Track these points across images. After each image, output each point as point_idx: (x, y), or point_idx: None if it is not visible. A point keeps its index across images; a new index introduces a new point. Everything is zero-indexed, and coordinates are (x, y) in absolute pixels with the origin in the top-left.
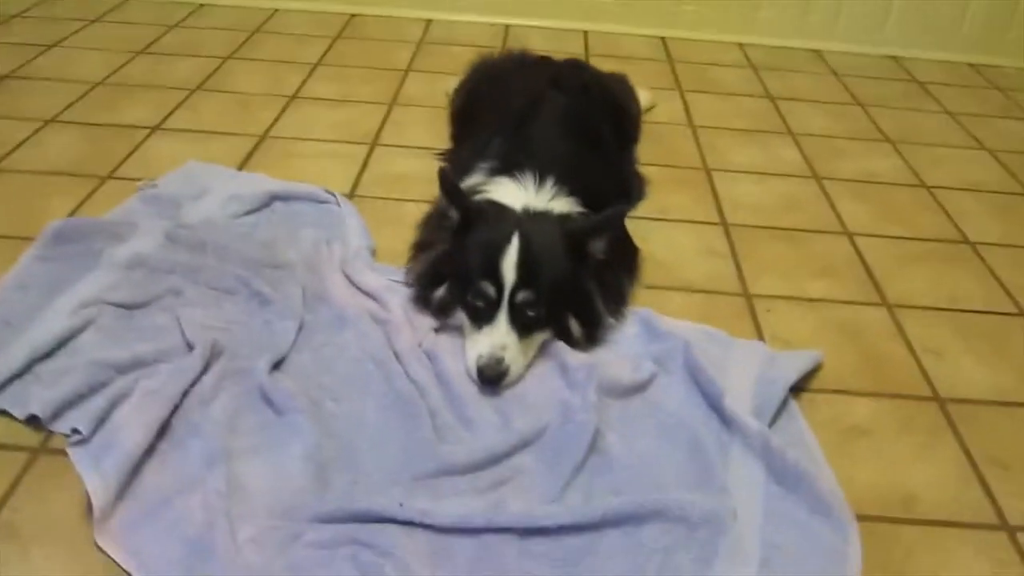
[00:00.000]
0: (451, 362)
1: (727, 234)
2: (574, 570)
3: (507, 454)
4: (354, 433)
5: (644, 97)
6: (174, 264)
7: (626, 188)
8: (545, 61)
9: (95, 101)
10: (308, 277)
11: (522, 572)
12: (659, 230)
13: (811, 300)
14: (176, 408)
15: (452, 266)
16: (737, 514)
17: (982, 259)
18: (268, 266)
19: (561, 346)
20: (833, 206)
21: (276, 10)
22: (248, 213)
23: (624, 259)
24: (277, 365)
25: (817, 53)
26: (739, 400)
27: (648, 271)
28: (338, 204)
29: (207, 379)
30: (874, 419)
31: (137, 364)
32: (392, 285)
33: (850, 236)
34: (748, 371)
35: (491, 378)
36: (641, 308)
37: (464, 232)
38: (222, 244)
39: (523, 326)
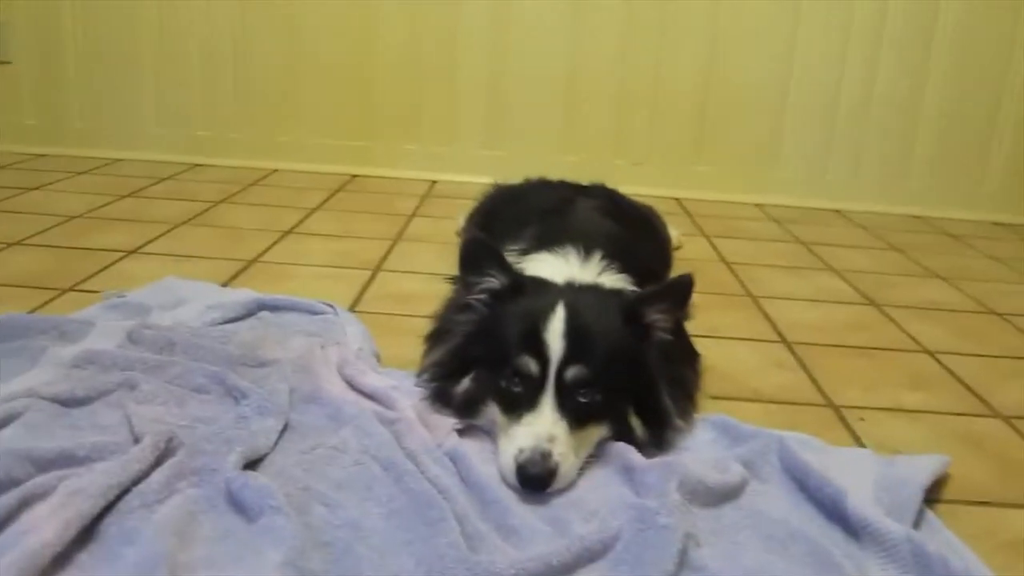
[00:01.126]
0: (481, 465)
1: (791, 351)
2: None
3: (569, 567)
4: (353, 540)
5: (671, 233)
6: (132, 362)
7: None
8: (567, 183)
9: (69, 230)
10: (297, 377)
11: None
12: (713, 347)
13: (911, 411)
14: (108, 510)
15: (480, 347)
16: None
17: None
18: (249, 364)
19: (622, 446)
20: (902, 328)
21: (275, 170)
22: (229, 321)
23: (685, 357)
24: (252, 467)
25: (838, 212)
26: (867, 504)
27: (709, 383)
28: (336, 314)
29: (155, 477)
30: None
31: (65, 461)
32: (401, 386)
33: (931, 354)
34: (863, 476)
35: (536, 478)
36: (713, 414)
37: (500, 303)
38: (194, 344)
39: (574, 415)
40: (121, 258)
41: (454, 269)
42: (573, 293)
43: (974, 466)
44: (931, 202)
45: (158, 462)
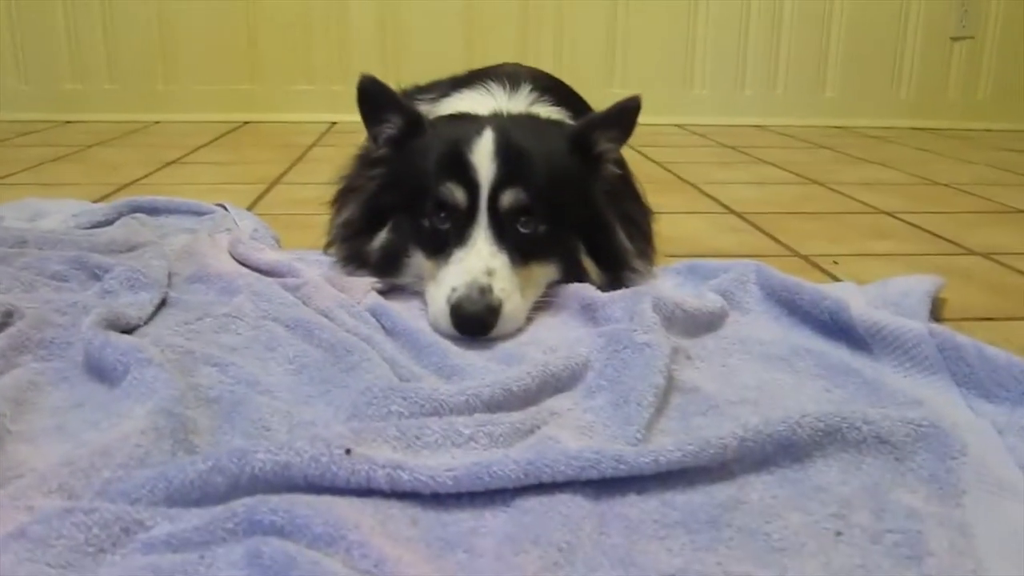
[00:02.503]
0: (409, 319)
1: (743, 219)
2: (718, 544)
3: (532, 395)
4: (249, 395)
5: None
6: None
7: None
8: None
9: None
10: (180, 262)
11: (620, 558)
12: (660, 220)
13: (884, 255)
14: None
15: (395, 193)
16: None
17: None
18: (118, 250)
19: (578, 285)
20: (852, 197)
21: (156, 122)
22: (98, 226)
23: (637, 199)
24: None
25: (759, 127)
26: (872, 311)
27: (663, 246)
28: (226, 210)
29: None
30: None
31: None
32: (304, 256)
33: (889, 214)
34: (855, 296)
35: (474, 317)
36: (674, 263)
37: (410, 140)
38: (51, 239)
39: (516, 248)
40: None
41: None
42: (503, 120)
43: (968, 292)
44: (848, 113)
45: None
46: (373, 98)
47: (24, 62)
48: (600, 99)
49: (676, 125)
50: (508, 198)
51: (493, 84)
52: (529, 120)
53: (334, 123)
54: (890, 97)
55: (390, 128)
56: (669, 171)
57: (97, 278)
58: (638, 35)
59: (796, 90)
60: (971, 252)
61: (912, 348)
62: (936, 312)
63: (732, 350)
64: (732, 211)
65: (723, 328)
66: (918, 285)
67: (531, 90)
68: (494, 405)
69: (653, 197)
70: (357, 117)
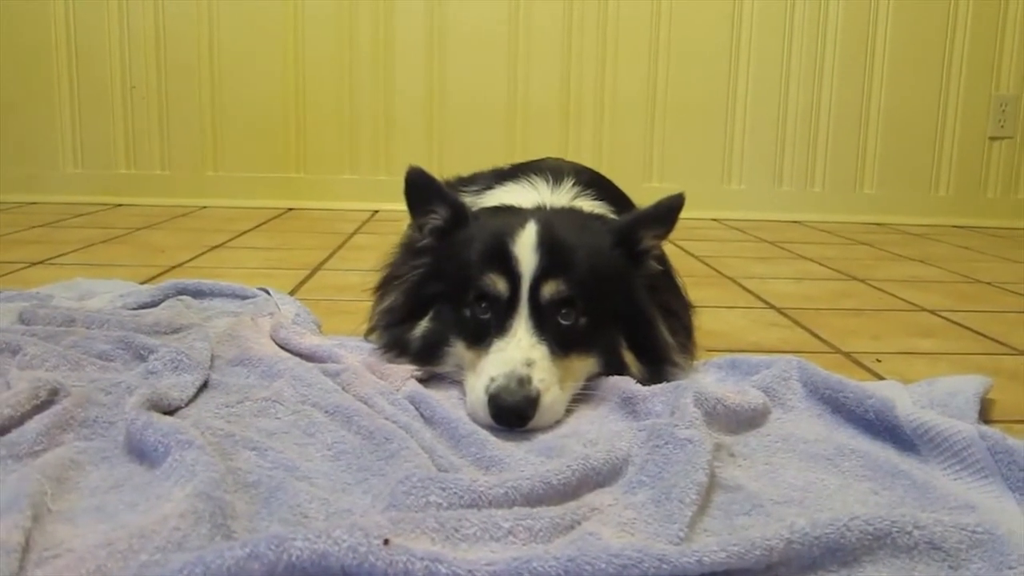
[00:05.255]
0: (448, 407)
1: (783, 314)
2: None
3: (572, 489)
4: (287, 480)
5: None
6: (18, 334)
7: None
8: None
9: None
10: (223, 345)
11: None
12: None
13: (928, 354)
14: None
15: (438, 283)
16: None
17: None
18: (163, 332)
19: (618, 378)
20: (893, 294)
21: (204, 207)
22: (144, 307)
23: (678, 294)
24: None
25: (796, 223)
26: (919, 411)
27: (703, 341)
28: (268, 294)
29: (31, 426)
30: None
31: None
32: (346, 344)
33: (932, 312)
34: (901, 395)
35: (512, 408)
36: (716, 357)
37: (454, 231)
38: (98, 318)
39: (556, 340)
40: (24, 267)
41: None
42: (546, 213)
43: (1017, 393)
44: (886, 210)
45: (37, 411)
46: (420, 189)
47: (82, 148)
48: (639, 192)
49: (713, 219)
50: (549, 289)
51: (536, 178)
52: (572, 214)
53: (376, 211)
54: (929, 195)
55: (435, 218)
56: (708, 265)
57: (142, 358)
58: (676, 130)
59: (834, 187)
60: (1018, 352)
61: (962, 450)
62: (985, 413)
63: (775, 448)
64: (772, 306)
65: (766, 425)
66: (966, 385)
67: (574, 184)
68: (534, 499)
69: (693, 291)
70: (399, 206)
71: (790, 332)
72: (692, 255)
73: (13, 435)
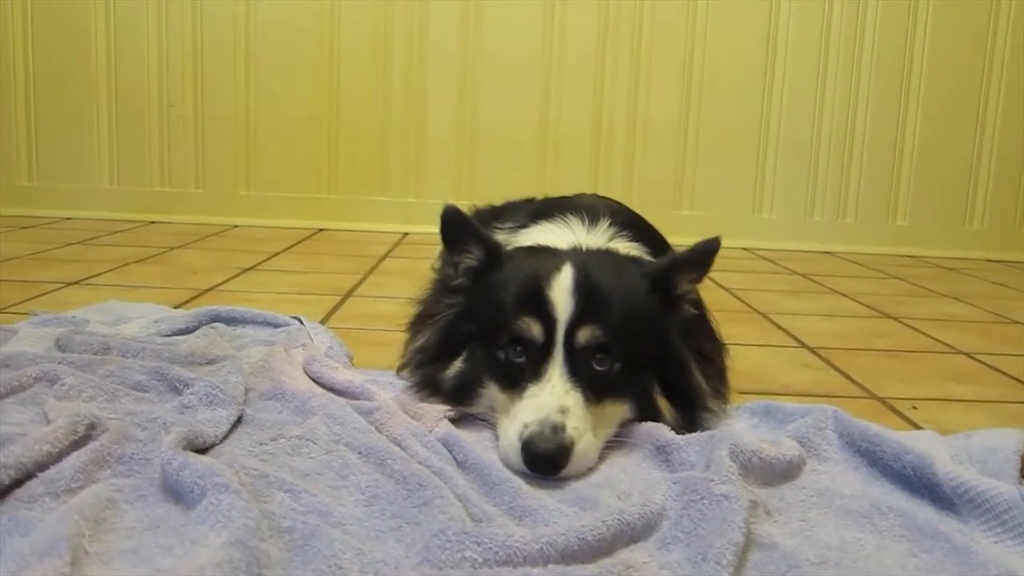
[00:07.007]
0: (481, 451)
1: (815, 354)
2: None
3: (608, 545)
4: (322, 526)
5: None
6: (55, 362)
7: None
8: None
9: (3, 268)
10: (256, 377)
11: None
12: (730, 354)
13: (965, 401)
14: (2, 497)
15: (472, 322)
16: None
17: None
18: (198, 362)
19: (652, 425)
20: (927, 334)
21: (235, 225)
22: (178, 333)
23: (713, 337)
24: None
25: (828, 254)
26: (958, 469)
27: (734, 382)
28: (301, 323)
29: (69, 462)
30: None
31: None
32: (379, 380)
33: (968, 355)
34: (938, 449)
35: (546, 456)
36: (749, 402)
37: (489, 271)
38: (133, 347)
39: (590, 386)
40: (59, 288)
41: None
42: (582, 255)
43: None
44: (920, 242)
45: (75, 447)
46: (455, 228)
47: (118, 165)
48: (669, 220)
49: (743, 248)
50: (585, 335)
51: (572, 217)
52: (608, 256)
53: (406, 234)
54: (963, 228)
55: (470, 258)
56: (739, 299)
57: (177, 391)
58: (708, 158)
59: (866, 218)
60: None
61: (1003, 512)
62: None
63: (811, 503)
64: (804, 345)
65: (801, 477)
66: (1005, 441)
67: (610, 224)
68: (568, 555)
69: (724, 327)
70: (430, 228)
71: (823, 374)
72: (723, 287)
73: (52, 471)
